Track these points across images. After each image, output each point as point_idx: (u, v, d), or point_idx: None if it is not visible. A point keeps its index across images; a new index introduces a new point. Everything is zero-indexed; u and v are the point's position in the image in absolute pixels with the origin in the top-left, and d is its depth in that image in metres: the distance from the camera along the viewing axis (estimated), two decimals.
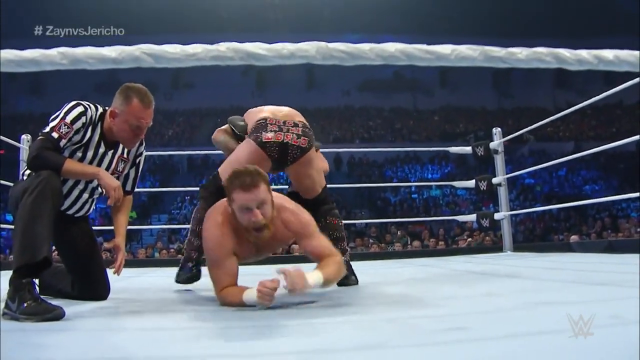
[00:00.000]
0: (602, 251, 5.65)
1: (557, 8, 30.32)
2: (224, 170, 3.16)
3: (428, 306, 2.17)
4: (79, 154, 2.75)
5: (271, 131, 3.18)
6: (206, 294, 3.02)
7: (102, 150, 2.81)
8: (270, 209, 2.43)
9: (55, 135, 2.62)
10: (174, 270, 3.40)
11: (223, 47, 1.35)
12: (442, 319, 1.82)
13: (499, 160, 6.36)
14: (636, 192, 4.48)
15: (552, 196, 21.81)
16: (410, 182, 23.57)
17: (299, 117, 3.43)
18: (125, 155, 2.93)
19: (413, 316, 1.90)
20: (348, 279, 3.23)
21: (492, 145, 6.34)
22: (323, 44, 1.40)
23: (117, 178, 2.89)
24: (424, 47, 1.47)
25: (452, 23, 29.52)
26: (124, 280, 4.17)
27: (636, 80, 4.35)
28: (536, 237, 17.08)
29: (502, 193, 6.37)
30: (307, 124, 3.40)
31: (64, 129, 2.65)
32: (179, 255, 12.05)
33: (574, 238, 11.98)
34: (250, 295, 2.24)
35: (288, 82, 31.78)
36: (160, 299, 2.95)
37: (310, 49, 1.37)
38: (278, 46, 1.38)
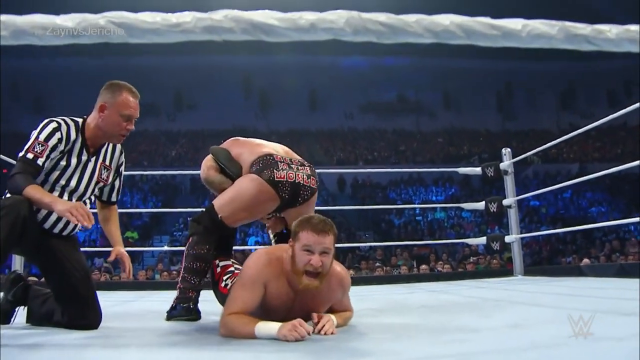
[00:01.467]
0: (614, 275, 5.44)
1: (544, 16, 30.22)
2: (223, 206, 3.08)
3: (450, 341, 1.96)
4: (63, 163, 2.75)
5: (282, 169, 3.03)
6: (206, 322, 2.89)
7: (84, 157, 2.82)
8: (330, 261, 2.36)
9: (30, 155, 2.64)
10: (174, 294, 3.21)
11: (219, 15, 1.05)
12: (469, 358, 1.61)
13: (509, 182, 6.19)
14: None
15: (558, 218, 21.58)
16: (415, 204, 23.37)
17: (297, 156, 3.33)
18: (107, 163, 2.93)
19: (437, 355, 1.68)
20: None
21: (502, 166, 6.17)
22: (355, 13, 1.05)
23: (103, 187, 2.97)
24: (488, 20, 1.11)
25: (458, 45, 29.41)
26: (121, 305, 4.02)
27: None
28: (543, 259, 16.82)
29: (513, 215, 6.19)
30: (308, 163, 3.28)
31: (38, 148, 2.66)
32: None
33: (585, 262, 11.73)
34: (265, 329, 2.13)
35: (291, 103, 31.77)
36: (157, 328, 2.74)
37: (337, 20, 1.06)
38: (294, 15, 1.07)
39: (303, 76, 31.70)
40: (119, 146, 3.01)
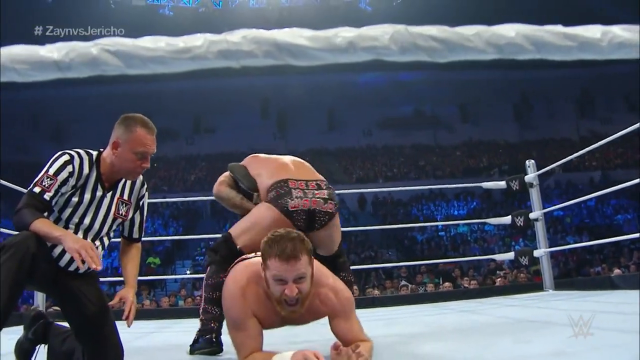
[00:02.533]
0: None
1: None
2: (240, 235, 3.02)
3: None
4: (75, 199, 2.62)
5: (297, 197, 2.95)
6: (229, 354, 2.76)
7: (99, 193, 2.68)
8: (308, 284, 2.17)
9: (37, 189, 2.53)
10: (196, 323, 3.12)
11: (236, 36, 0.89)
12: None
13: (535, 194, 6.05)
14: None
15: (583, 227, 21.27)
16: (437, 219, 23.19)
17: (316, 175, 3.23)
18: (126, 198, 2.79)
19: None
20: None
21: (527, 178, 6.04)
22: (401, 27, 0.87)
23: (122, 223, 2.82)
24: (561, 29, 0.93)
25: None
26: (143, 338, 3.92)
27: None
28: (570, 270, 16.50)
29: (540, 229, 6.05)
30: (327, 183, 3.19)
31: (46, 182, 2.55)
32: None
33: (616, 272, 11.47)
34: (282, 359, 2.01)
35: (309, 123, 31.77)
36: None
37: (380, 36, 0.87)
38: (328, 33, 0.89)
39: (320, 95, 31.76)
40: (140, 177, 2.86)
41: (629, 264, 14.42)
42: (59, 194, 2.57)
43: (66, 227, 2.61)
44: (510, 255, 6.44)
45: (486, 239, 20.85)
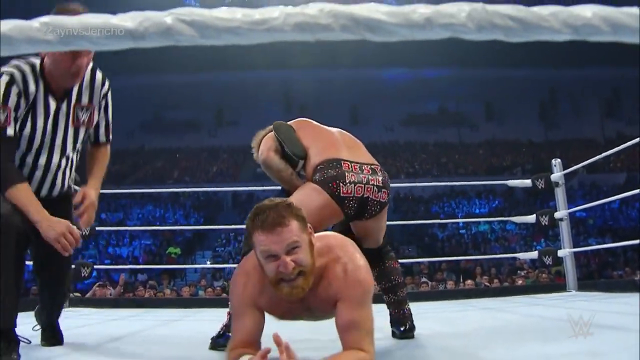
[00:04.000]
0: None
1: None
2: None
3: None
4: (28, 125, 2.32)
5: (350, 182, 2.61)
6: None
7: (53, 106, 2.38)
8: (307, 253, 1.82)
9: None
10: (219, 312, 3.06)
11: (314, 9, 0.88)
12: None
13: (560, 194, 5.99)
14: None
15: (606, 230, 21.05)
16: (458, 217, 23.05)
17: (370, 157, 2.88)
18: (85, 103, 2.48)
19: None
20: (409, 332, 2.88)
21: (553, 177, 5.97)
22: (479, 5, 0.87)
23: (86, 131, 2.55)
24: (637, 11, 0.89)
25: (500, 54, 29.18)
26: (165, 326, 3.94)
27: None
28: (592, 272, 16.36)
29: (565, 228, 6.00)
30: (381, 168, 2.83)
31: (1, 115, 2.20)
32: (224, 295, 11.88)
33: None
34: None
35: (332, 117, 31.61)
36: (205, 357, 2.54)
37: (457, 14, 0.87)
38: (406, 9, 0.88)
39: (344, 90, 31.76)
40: (98, 76, 2.53)
41: None
42: (15, 122, 2.26)
43: (22, 165, 2.37)
44: (534, 254, 6.39)
45: (507, 238, 20.72)
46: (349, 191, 2.61)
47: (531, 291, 6.58)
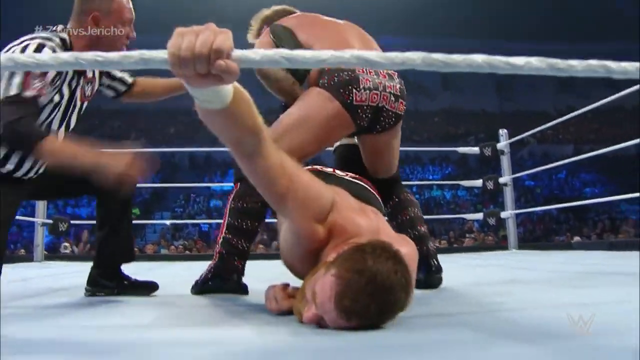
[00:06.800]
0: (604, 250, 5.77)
1: (561, 12, 30.53)
2: (284, 134, 2.23)
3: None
4: (56, 97, 2.18)
5: (365, 88, 2.23)
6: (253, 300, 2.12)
7: (75, 82, 2.27)
8: None
9: (29, 93, 2.01)
10: (187, 264, 2.74)
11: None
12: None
13: (505, 161, 6.48)
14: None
15: (552, 198, 21.90)
16: (412, 182, 23.64)
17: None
18: (89, 76, 2.38)
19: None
20: (436, 274, 2.48)
21: (499, 146, 6.46)
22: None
23: (85, 106, 2.41)
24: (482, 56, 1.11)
25: (458, 26, 29.73)
26: (149, 272, 3.90)
27: (637, 86, 4.49)
28: (537, 237, 17.21)
29: (508, 193, 6.50)
30: (399, 73, 2.39)
31: (37, 82, 2.03)
32: (187, 252, 12.18)
33: (576, 239, 12.13)
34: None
35: None
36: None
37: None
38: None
39: None
40: None
41: (591, 234, 15.13)
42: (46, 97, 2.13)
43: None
44: (479, 215, 6.92)
45: (458, 203, 21.42)
46: (363, 99, 2.24)
47: (477, 250, 7.13)
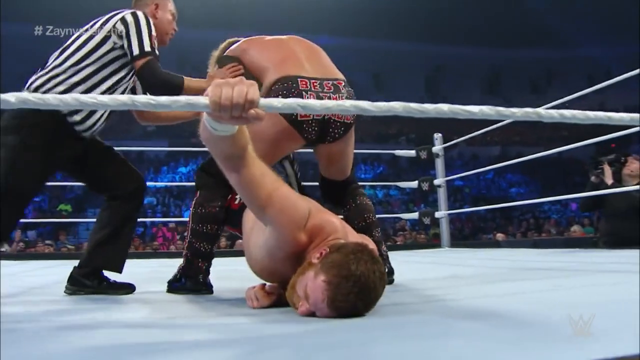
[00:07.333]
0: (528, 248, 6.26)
1: (491, 19, 31.64)
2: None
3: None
4: (124, 72, 2.55)
5: None
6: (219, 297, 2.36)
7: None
8: None
9: (157, 52, 2.50)
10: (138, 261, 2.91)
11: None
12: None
13: (440, 164, 6.83)
14: (557, 195, 4.88)
15: (480, 198, 22.70)
16: None
17: (333, 69, 2.57)
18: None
19: None
20: (388, 276, 2.47)
21: (434, 149, 6.81)
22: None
23: None
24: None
25: (391, 28, 30.33)
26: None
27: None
28: (467, 236, 17.87)
29: (442, 194, 6.85)
30: (346, 82, 2.52)
31: (155, 44, 2.50)
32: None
33: (500, 236, 12.76)
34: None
35: None
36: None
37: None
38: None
39: None
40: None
41: (516, 232, 15.89)
42: None
43: (114, 90, 2.54)
44: (415, 215, 7.27)
45: (390, 202, 21.89)
46: (308, 114, 2.30)
47: (411, 248, 7.48)
